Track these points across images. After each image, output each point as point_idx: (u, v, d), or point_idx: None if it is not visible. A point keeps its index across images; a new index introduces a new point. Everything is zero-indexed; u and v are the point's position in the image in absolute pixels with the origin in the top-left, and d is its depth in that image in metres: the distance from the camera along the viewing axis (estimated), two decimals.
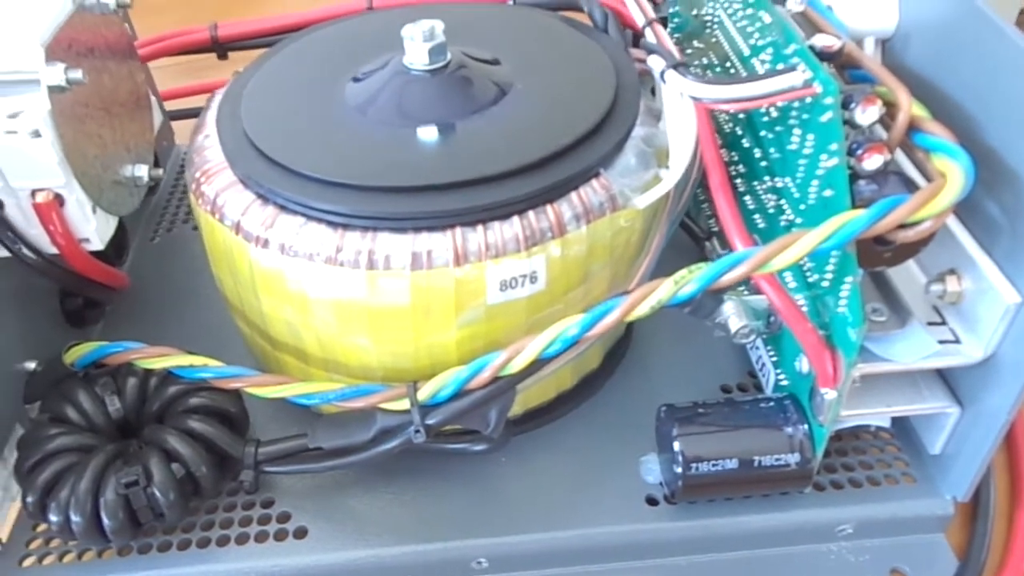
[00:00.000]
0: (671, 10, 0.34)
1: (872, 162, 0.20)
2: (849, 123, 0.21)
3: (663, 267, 0.24)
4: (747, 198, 0.27)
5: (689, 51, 0.32)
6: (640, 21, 0.26)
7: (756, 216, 0.26)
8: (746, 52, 0.25)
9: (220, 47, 0.33)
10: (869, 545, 0.25)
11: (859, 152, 0.20)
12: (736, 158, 0.27)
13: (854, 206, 0.20)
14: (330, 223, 0.21)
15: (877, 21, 0.26)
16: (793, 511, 0.25)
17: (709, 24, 0.29)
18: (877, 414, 0.24)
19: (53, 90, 0.22)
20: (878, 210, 0.19)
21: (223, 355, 0.27)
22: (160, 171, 0.28)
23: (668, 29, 0.35)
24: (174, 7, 0.65)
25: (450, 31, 0.26)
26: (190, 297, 0.32)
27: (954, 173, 0.19)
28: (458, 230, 0.21)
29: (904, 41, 0.26)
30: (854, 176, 0.21)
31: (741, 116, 0.26)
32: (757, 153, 0.25)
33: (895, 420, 0.26)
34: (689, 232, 0.32)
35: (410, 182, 0.21)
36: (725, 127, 0.28)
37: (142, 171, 0.27)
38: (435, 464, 0.26)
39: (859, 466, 0.26)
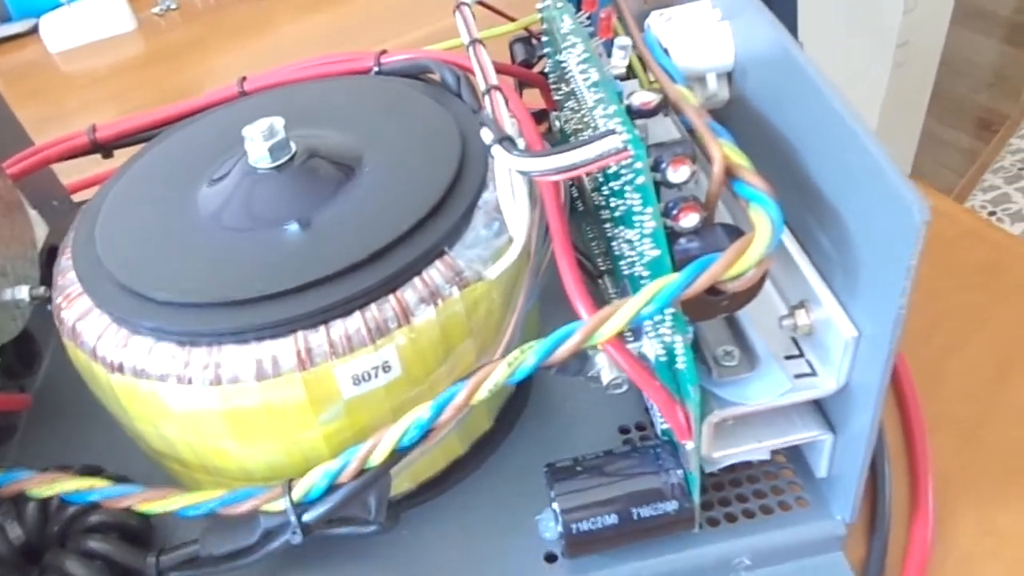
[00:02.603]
0: (545, 50, 0.34)
1: (688, 220, 0.21)
2: (664, 183, 0.21)
3: (559, 310, 0.25)
4: (614, 244, 0.27)
5: (560, 93, 0.32)
6: (481, 86, 0.26)
7: (622, 263, 0.26)
8: (590, 103, 0.26)
9: (102, 148, 0.33)
10: (769, 573, 0.25)
11: (675, 212, 0.21)
12: (603, 203, 0.28)
13: (678, 264, 0.20)
14: (177, 342, 0.22)
15: (714, 58, 0.26)
16: (689, 550, 0.25)
17: (567, 70, 0.29)
18: (752, 450, 0.24)
19: None
20: (690, 273, 0.19)
21: (136, 458, 0.27)
22: (42, 289, 0.28)
23: (546, 68, 0.35)
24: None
25: (310, 112, 0.26)
26: None
27: (763, 224, 0.20)
28: (300, 334, 0.21)
29: (743, 74, 0.26)
30: (675, 234, 0.21)
31: None
32: (612, 202, 0.26)
33: (785, 448, 0.26)
34: (583, 269, 0.32)
35: (250, 293, 0.22)
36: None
37: (23, 293, 0.28)
38: (339, 545, 0.26)
39: (753, 496, 0.26)
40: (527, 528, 0.26)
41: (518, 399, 0.30)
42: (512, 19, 0.38)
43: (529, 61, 0.38)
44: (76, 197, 0.41)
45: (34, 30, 0.67)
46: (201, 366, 0.21)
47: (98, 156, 0.35)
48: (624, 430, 0.29)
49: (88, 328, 0.23)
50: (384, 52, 0.32)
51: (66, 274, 0.25)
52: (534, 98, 0.39)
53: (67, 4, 0.68)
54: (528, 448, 0.28)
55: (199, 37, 0.71)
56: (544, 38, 0.34)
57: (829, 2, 1.01)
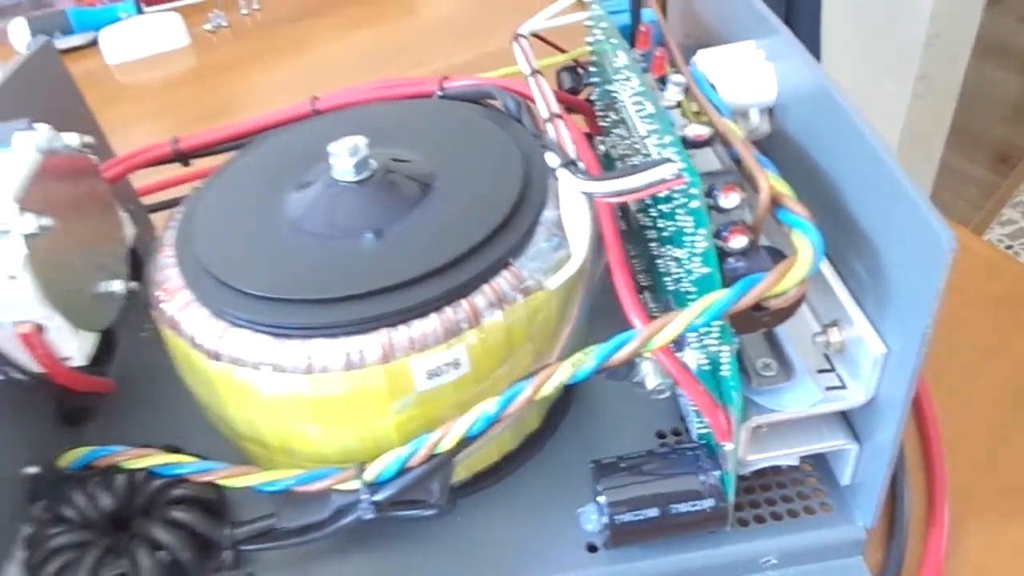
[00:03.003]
0: (593, 79, 0.37)
1: (737, 242, 0.23)
2: (716, 208, 0.24)
3: (602, 322, 0.27)
4: (659, 262, 0.29)
5: (608, 120, 0.35)
6: (544, 115, 0.29)
7: (667, 279, 0.29)
8: (643, 133, 0.28)
9: (183, 157, 0.36)
10: (793, 572, 0.28)
11: (725, 234, 0.23)
12: (650, 223, 0.30)
13: (727, 281, 0.23)
14: (272, 334, 0.24)
15: (758, 94, 0.29)
16: (721, 547, 0.27)
17: (617, 100, 0.32)
18: (783, 455, 0.26)
19: (27, 237, 0.25)
20: (739, 289, 0.22)
21: (207, 441, 0.30)
22: (134, 284, 0.31)
23: (593, 97, 0.38)
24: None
25: (382, 131, 0.28)
26: (177, 387, 0.35)
27: (805, 249, 0.22)
28: (384, 331, 0.24)
29: (784, 110, 0.28)
30: (725, 254, 0.23)
31: None
32: (660, 223, 0.28)
33: (813, 455, 0.28)
34: None
35: (339, 292, 0.24)
36: None
37: (117, 286, 0.31)
38: (398, 527, 0.29)
39: (780, 500, 0.28)
40: (570, 520, 0.28)
41: (563, 403, 0.32)
42: (562, 50, 0.40)
43: (576, 89, 0.41)
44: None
45: (94, 43, 0.70)
46: (294, 356, 0.24)
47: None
48: (660, 435, 0.31)
49: (188, 319, 0.26)
50: (446, 78, 0.35)
51: (165, 270, 0.27)
52: (578, 123, 0.41)
53: (126, 19, 0.71)
54: (571, 447, 0.31)
55: (247, 54, 0.74)
56: (592, 69, 0.36)
57: (851, 34, 1.04)
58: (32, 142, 0.27)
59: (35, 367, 0.27)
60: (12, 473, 0.29)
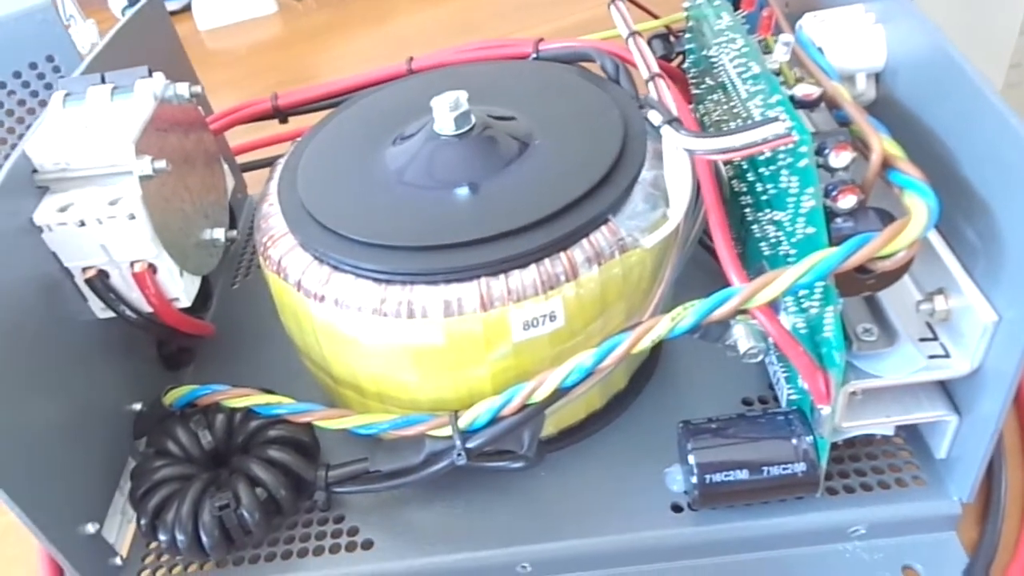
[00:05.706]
0: (687, 46, 0.36)
1: (846, 202, 0.23)
2: (825, 167, 0.23)
3: (688, 287, 0.27)
4: (754, 227, 0.29)
5: (703, 87, 0.35)
6: (644, 75, 0.29)
7: (762, 244, 0.29)
8: (744, 95, 0.28)
9: (281, 114, 0.37)
10: (882, 544, 0.27)
11: (834, 193, 0.23)
12: (745, 189, 0.30)
13: (833, 242, 0.22)
14: (375, 279, 0.25)
15: (867, 59, 0.28)
16: (808, 514, 0.27)
17: (715, 64, 0.31)
18: (878, 424, 0.26)
19: (143, 179, 0.26)
20: (849, 248, 0.21)
21: (297, 388, 0.31)
22: (234, 232, 0.32)
23: (686, 64, 0.37)
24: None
25: (478, 91, 0.29)
26: (268, 337, 0.36)
27: (919, 210, 0.21)
28: (483, 280, 0.24)
29: (893, 75, 0.28)
30: (832, 214, 0.23)
31: None
32: (759, 187, 0.28)
33: (906, 426, 0.27)
34: (712, 252, 0.34)
35: (440, 240, 0.25)
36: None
37: (219, 234, 0.32)
38: (483, 479, 0.29)
39: (871, 471, 0.28)
40: (655, 479, 0.28)
41: (649, 366, 0.32)
42: (655, 16, 0.40)
43: (667, 56, 0.40)
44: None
45: (187, 8, 0.73)
46: (396, 302, 0.24)
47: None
48: (747, 402, 0.31)
49: (293, 264, 0.26)
50: (542, 39, 0.35)
51: (269, 219, 0.28)
52: None
53: None
54: (656, 410, 0.31)
55: (331, 22, 0.75)
56: (688, 35, 0.36)
57: (939, 19, 1.00)
58: (150, 89, 0.28)
59: (145, 307, 0.29)
60: (119, 408, 0.30)
